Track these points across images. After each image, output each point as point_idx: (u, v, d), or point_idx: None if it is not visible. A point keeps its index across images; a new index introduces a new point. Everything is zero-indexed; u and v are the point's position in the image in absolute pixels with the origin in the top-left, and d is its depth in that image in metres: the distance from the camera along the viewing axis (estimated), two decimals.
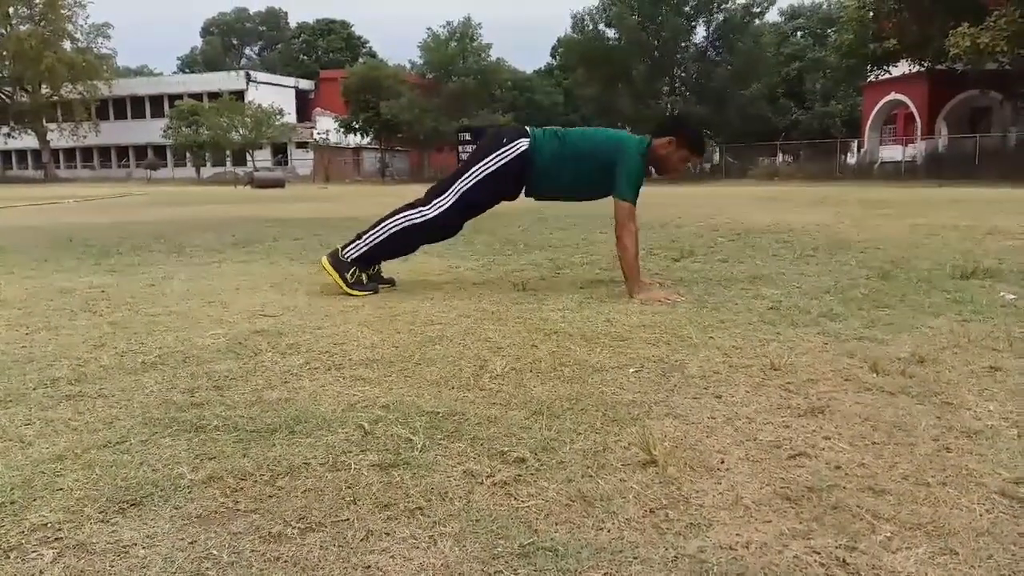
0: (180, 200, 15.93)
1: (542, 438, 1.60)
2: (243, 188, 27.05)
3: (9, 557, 1.15)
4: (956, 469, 1.44)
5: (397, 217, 3.41)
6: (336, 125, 44.11)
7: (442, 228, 3.44)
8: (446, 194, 3.37)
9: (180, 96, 48.09)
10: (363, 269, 3.42)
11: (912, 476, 1.41)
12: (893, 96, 29.93)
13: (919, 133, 28.71)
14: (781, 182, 26.33)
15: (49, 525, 1.24)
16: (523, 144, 3.33)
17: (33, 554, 1.16)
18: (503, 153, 3.33)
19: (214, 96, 46.69)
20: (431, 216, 3.37)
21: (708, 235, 6.02)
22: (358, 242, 3.42)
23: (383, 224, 3.42)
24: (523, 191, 3.49)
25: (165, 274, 4.11)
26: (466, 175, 3.35)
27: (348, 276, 3.37)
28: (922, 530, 1.22)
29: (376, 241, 3.40)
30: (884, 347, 2.33)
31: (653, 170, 3.50)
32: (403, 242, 3.47)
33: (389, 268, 3.70)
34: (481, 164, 3.35)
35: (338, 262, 3.39)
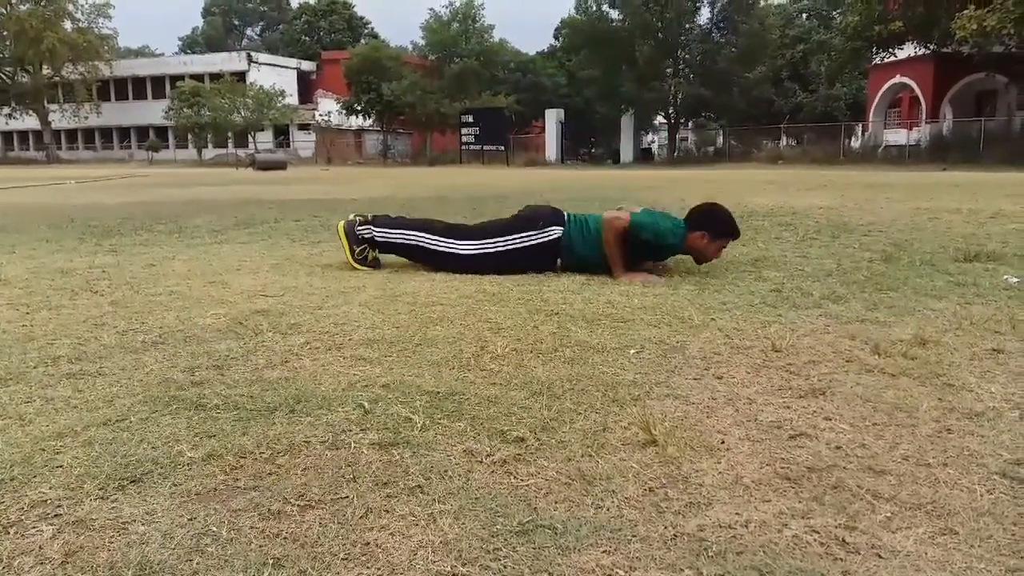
0: (182, 181, 15.90)
1: (542, 418, 1.60)
2: (245, 170, 26.98)
3: (9, 533, 1.15)
4: (957, 450, 1.44)
5: (426, 236, 3.48)
6: (338, 107, 43.87)
7: (454, 266, 3.44)
8: (481, 242, 3.42)
9: (181, 77, 47.69)
10: (372, 248, 3.56)
11: (913, 457, 1.41)
12: (898, 79, 29.70)
13: (924, 116, 28.50)
14: (785, 165, 26.21)
15: (49, 502, 1.24)
16: (557, 231, 3.42)
17: (33, 530, 1.16)
18: (538, 234, 3.41)
19: (216, 77, 46.32)
20: (455, 252, 3.44)
21: None
22: (375, 229, 3.52)
23: (411, 232, 3.51)
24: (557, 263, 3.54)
25: (166, 254, 4.10)
26: (503, 238, 3.42)
27: (356, 249, 3.52)
28: (922, 510, 1.22)
29: (391, 241, 3.52)
30: (886, 329, 2.32)
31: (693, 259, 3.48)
32: (412, 255, 3.58)
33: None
34: (517, 236, 3.42)
35: (352, 233, 3.53)
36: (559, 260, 3.47)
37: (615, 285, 3.09)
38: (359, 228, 3.53)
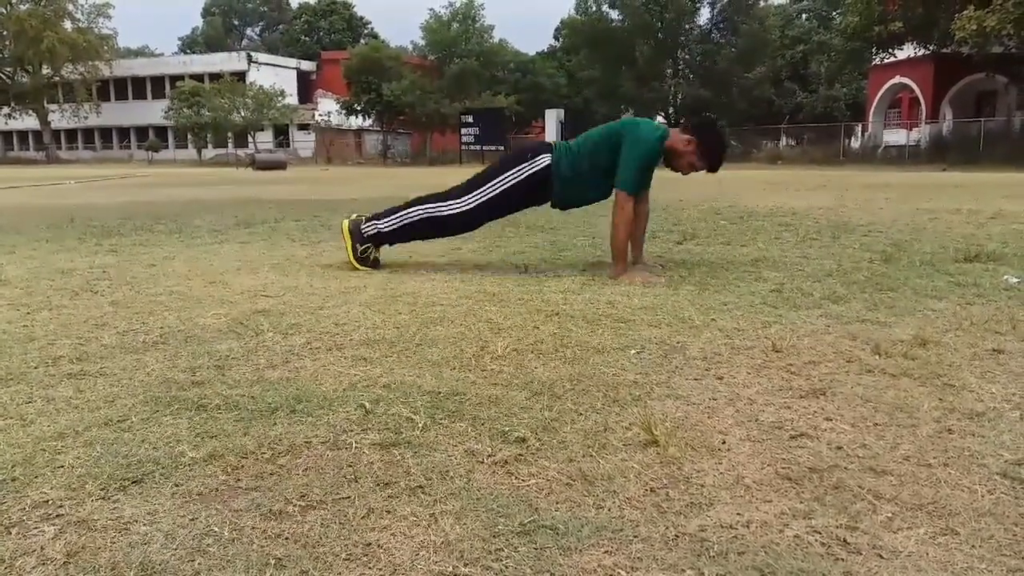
0: (182, 181, 15.90)
1: (543, 418, 1.60)
2: (245, 170, 26.99)
3: (11, 533, 1.15)
4: (958, 450, 1.44)
5: (423, 207, 3.49)
6: (338, 107, 43.86)
7: (464, 224, 3.48)
8: (474, 194, 3.43)
9: (181, 77, 47.67)
10: (376, 247, 3.55)
11: (914, 457, 1.41)
12: (898, 79, 29.71)
13: (923, 117, 28.51)
14: (784, 166, 26.22)
15: (50, 502, 1.24)
16: (546, 159, 3.42)
17: (34, 530, 1.16)
18: (528, 165, 3.41)
19: (215, 77, 46.28)
20: (457, 211, 3.45)
21: (711, 218, 6.00)
22: (378, 222, 3.52)
23: (408, 210, 3.50)
24: (549, 202, 3.56)
25: (167, 254, 4.10)
26: (494, 180, 3.43)
27: (359, 248, 3.50)
28: (923, 510, 1.22)
29: (398, 226, 3.51)
30: (886, 329, 2.32)
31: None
32: (423, 231, 3.58)
33: (389, 251, 3.70)
34: (508, 173, 3.42)
35: (357, 231, 3.52)
36: (552, 191, 3.47)
37: (616, 285, 3.09)
38: (364, 226, 3.53)
